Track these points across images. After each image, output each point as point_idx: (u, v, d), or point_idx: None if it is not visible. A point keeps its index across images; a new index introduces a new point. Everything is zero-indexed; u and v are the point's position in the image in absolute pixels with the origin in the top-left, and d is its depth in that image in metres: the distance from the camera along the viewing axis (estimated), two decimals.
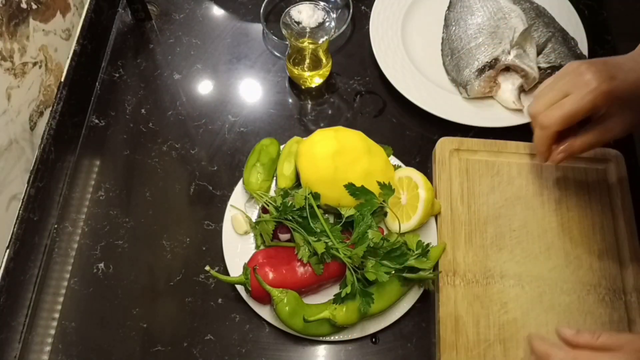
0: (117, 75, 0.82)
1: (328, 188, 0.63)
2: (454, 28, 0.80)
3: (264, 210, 0.66)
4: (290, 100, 0.80)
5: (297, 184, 0.67)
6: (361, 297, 0.59)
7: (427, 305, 0.65)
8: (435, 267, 0.64)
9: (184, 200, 0.72)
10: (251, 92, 0.80)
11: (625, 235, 0.65)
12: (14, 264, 0.64)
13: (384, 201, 0.63)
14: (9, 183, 0.65)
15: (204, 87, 0.81)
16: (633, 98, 0.55)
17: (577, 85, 0.55)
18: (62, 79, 0.76)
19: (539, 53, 0.75)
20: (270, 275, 0.61)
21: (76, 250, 0.69)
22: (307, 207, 0.62)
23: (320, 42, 0.71)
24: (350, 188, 0.62)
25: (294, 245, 0.63)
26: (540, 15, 0.79)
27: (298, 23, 0.73)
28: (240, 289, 0.64)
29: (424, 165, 0.73)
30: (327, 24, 0.72)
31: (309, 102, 0.79)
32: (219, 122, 0.77)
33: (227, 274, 0.65)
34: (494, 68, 0.74)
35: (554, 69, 0.75)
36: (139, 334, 0.64)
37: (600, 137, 0.58)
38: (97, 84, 0.81)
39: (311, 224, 0.62)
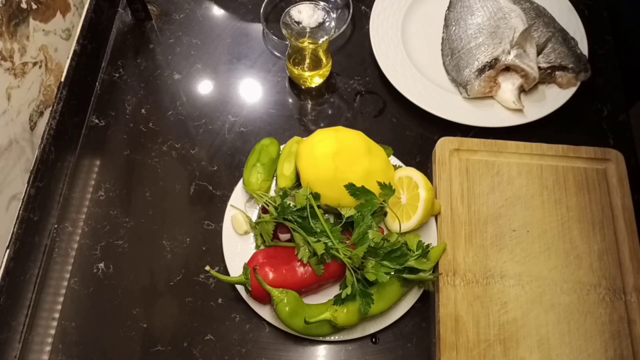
0: (117, 75, 0.82)
1: (328, 188, 0.63)
2: (454, 28, 0.80)
3: (264, 210, 0.66)
4: (290, 100, 0.80)
5: (297, 184, 0.67)
6: (361, 297, 0.59)
7: (427, 305, 0.65)
8: (436, 267, 0.64)
9: (184, 200, 0.72)
10: (251, 92, 0.80)
11: (625, 235, 0.66)
12: (14, 264, 0.64)
13: (384, 201, 0.63)
14: (9, 183, 0.65)
15: (204, 87, 0.81)
16: None
17: None
18: (62, 79, 0.76)
19: (539, 53, 0.75)
20: (270, 275, 0.61)
21: (76, 250, 0.69)
22: (307, 207, 0.62)
23: (320, 42, 0.71)
24: (351, 188, 0.62)
25: (294, 245, 0.63)
26: (540, 15, 0.79)
27: (298, 23, 0.73)
28: (240, 289, 0.64)
29: (424, 165, 0.73)
30: (327, 24, 0.72)
31: (309, 102, 0.79)
32: (219, 122, 0.77)
33: (227, 274, 0.65)
34: (494, 68, 0.74)
35: (554, 69, 0.75)
36: (139, 334, 0.64)
37: None
38: (97, 84, 0.81)
39: (311, 224, 0.62)
